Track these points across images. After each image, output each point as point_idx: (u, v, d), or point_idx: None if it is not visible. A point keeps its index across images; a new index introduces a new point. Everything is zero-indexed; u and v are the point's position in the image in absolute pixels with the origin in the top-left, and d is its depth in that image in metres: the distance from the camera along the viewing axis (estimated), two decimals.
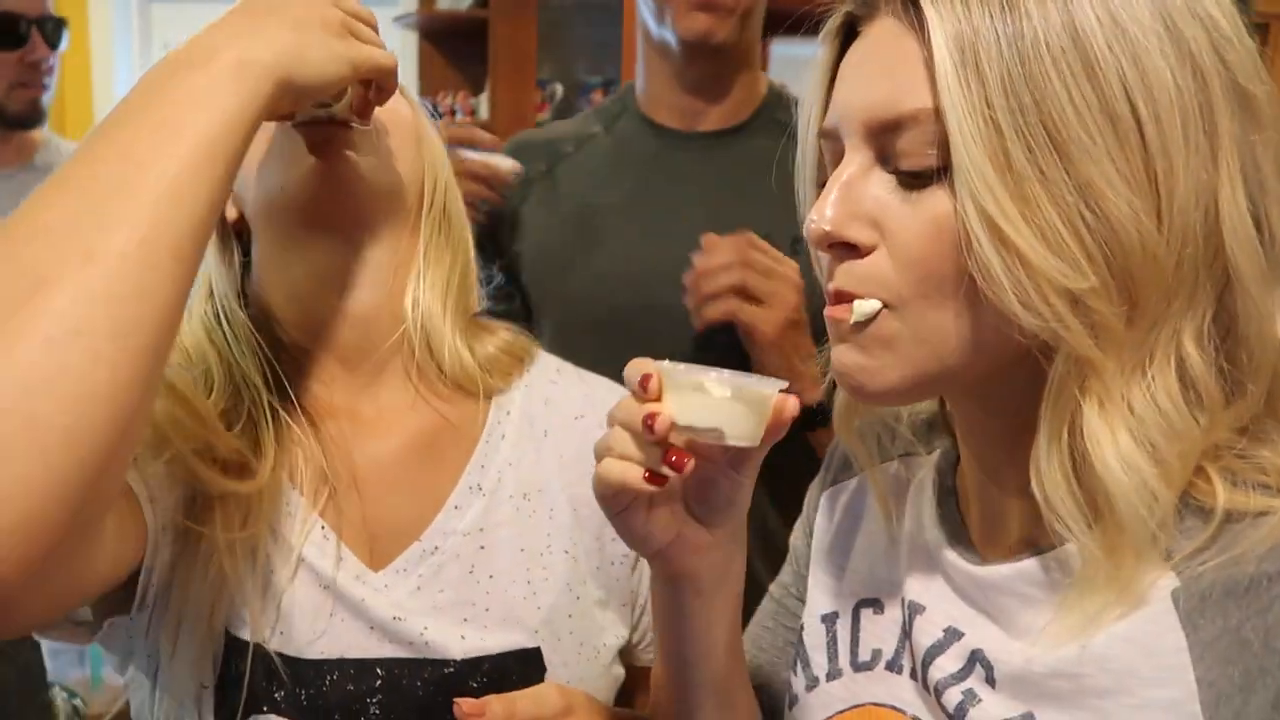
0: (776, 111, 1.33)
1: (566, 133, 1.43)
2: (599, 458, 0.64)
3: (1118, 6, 0.55)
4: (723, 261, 1.15)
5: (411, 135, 0.86)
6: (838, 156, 0.62)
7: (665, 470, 0.61)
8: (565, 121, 1.52)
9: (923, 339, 0.59)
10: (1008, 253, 0.54)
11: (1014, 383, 0.60)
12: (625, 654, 0.88)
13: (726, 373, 0.62)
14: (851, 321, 0.60)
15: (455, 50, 3.36)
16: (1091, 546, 0.57)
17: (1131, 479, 0.55)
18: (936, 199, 0.57)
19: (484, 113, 3.27)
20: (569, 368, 0.95)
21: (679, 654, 0.72)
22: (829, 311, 0.62)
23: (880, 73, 0.59)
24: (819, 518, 0.80)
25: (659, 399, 0.61)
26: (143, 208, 0.54)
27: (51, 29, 1.79)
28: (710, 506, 0.66)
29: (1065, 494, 0.57)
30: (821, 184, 0.64)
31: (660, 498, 0.65)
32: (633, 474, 0.62)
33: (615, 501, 0.65)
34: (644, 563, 0.84)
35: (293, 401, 0.82)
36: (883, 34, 0.60)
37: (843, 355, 0.62)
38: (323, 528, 0.79)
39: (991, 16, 0.55)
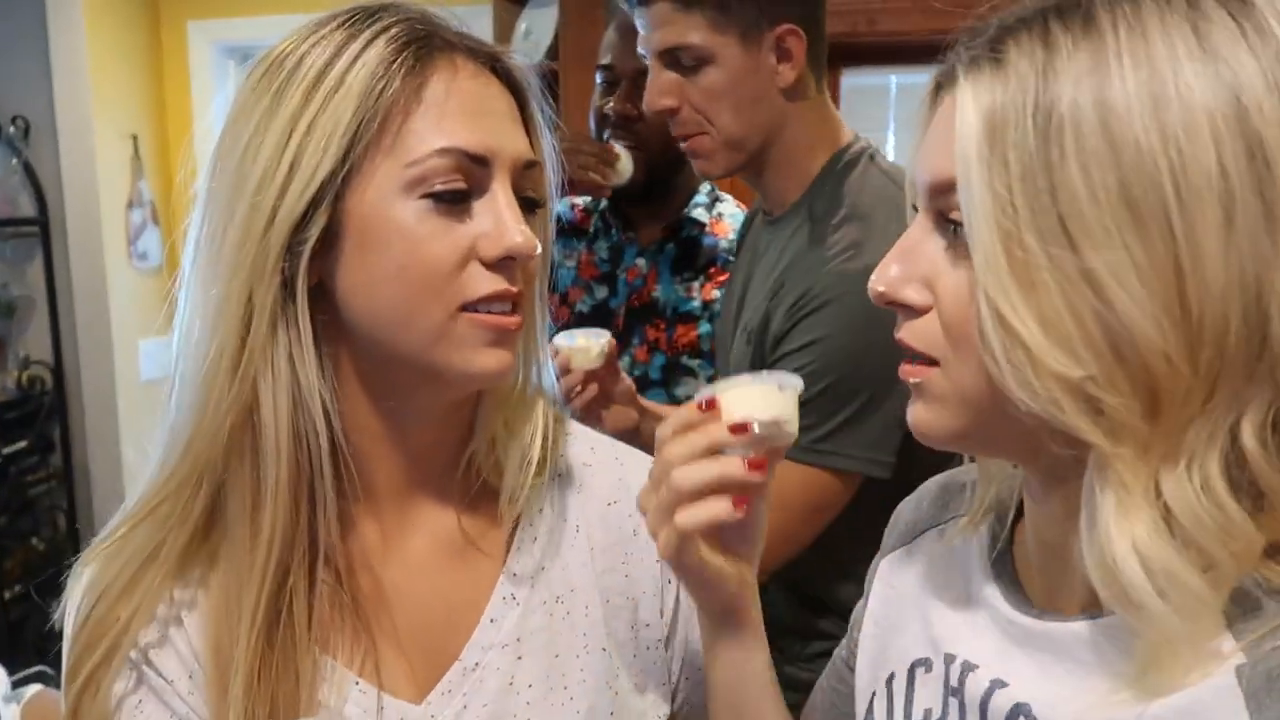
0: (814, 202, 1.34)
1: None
2: (663, 523, 0.69)
3: (1168, 83, 0.52)
4: None
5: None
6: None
7: (751, 477, 0.67)
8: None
9: (965, 399, 0.60)
10: (1007, 335, 0.54)
11: (1067, 457, 0.58)
12: None
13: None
14: (911, 382, 0.63)
15: None
16: (1145, 627, 0.55)
17: (1150, 574, 0.53)
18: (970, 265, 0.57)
19: None
20: (604, 443, 0.90)
21: (739, 706, 0.77)
22: (902, 368, 0.64)
23: (940, 138, 0.59)
24: (877, 584, 0.81)
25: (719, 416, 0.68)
26: None
27: None
28: (745, 536, 0.74)
29: (1104, 576, 0.55)
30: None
31: (731, 537, 0.72)
32: (719, 507, 0.68)
33: (690, 556, 0.70)
34: (676, 639, 0.87)
35: (330, 546, 0.76)
36: (951, 102, 0.60)
37: (911, 409, 0.64)
38: (358, 683, 0.77)
39: (1024, 93, 0.54)
